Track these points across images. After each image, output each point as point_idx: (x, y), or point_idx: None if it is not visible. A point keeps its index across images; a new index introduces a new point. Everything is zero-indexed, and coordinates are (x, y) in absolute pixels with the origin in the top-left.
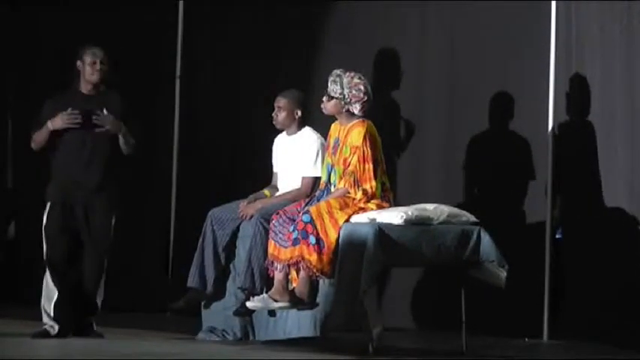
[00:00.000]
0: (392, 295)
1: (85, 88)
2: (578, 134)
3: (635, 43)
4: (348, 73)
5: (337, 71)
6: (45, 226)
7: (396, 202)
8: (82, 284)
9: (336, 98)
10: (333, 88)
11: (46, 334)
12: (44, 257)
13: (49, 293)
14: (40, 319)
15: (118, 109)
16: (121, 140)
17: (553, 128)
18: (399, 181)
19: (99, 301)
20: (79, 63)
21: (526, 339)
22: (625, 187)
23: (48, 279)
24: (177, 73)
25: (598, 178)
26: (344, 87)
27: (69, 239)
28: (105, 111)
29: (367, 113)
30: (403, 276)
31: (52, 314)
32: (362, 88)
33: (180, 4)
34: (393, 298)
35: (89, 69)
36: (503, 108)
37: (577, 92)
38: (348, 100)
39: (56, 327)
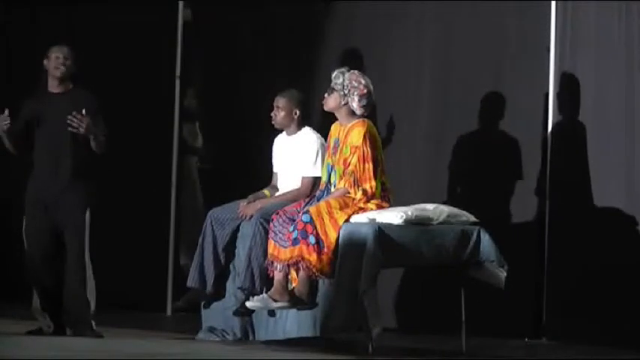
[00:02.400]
0: (391, 295)
1: (52, 86)
2: (575, 134)
3: (633, 44)
4: (352, 71)
5: (342, 69)
6: (24, 227)
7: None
8: (64, 284)
9: (337, 90)
10: (336, 82)
11: (40, 332)
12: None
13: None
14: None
15: (88, 106)
16: (92, 141)
17: (552, 128)
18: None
19: (92, 300)
20: (45, 62)
21: (526, 339)
22: (622, 187)
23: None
24: (177, 73)
25: (592, 178)
26: (345, 80)
27: (49, 239)
28: (84, 112)
29: (367, 112)
30: (402, 276)
31: (45, 313)
32: (362, 81)
33: (180, 4)
34: (393, 298)
35: (53, 64)
36: (499, 108)
37: (574, 92)
38: (347, 90)
39: (52, 326)
